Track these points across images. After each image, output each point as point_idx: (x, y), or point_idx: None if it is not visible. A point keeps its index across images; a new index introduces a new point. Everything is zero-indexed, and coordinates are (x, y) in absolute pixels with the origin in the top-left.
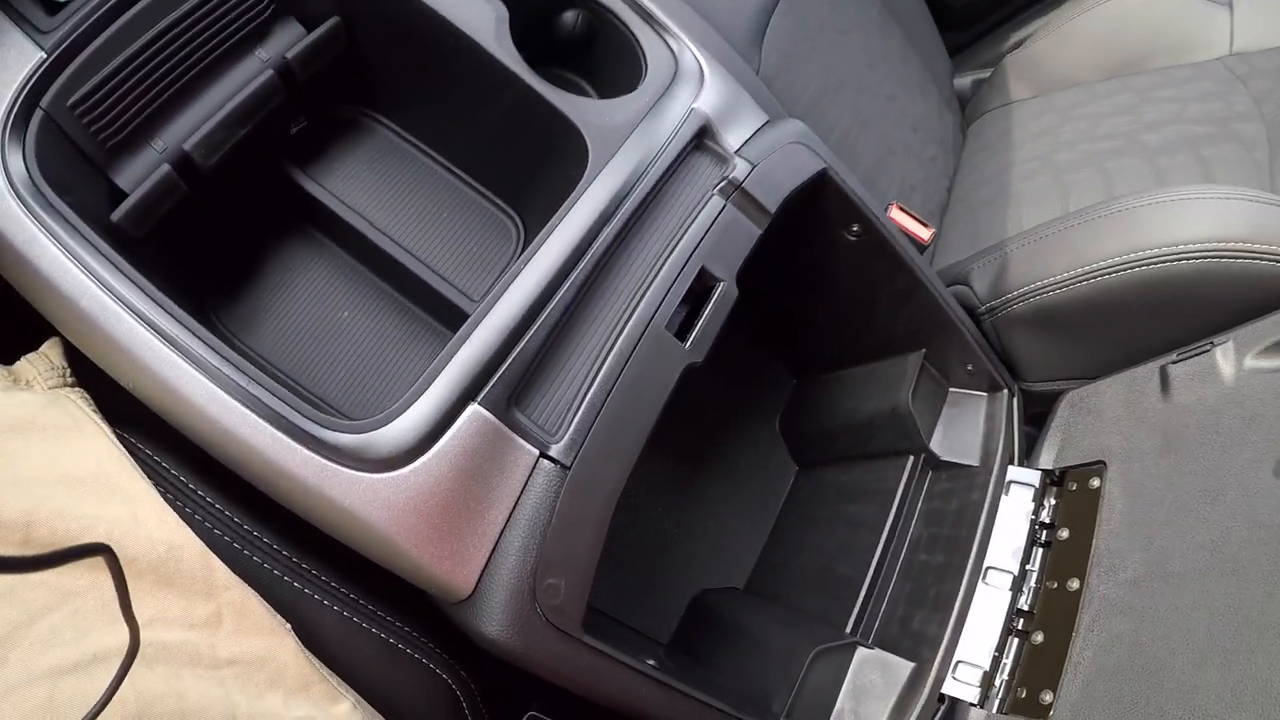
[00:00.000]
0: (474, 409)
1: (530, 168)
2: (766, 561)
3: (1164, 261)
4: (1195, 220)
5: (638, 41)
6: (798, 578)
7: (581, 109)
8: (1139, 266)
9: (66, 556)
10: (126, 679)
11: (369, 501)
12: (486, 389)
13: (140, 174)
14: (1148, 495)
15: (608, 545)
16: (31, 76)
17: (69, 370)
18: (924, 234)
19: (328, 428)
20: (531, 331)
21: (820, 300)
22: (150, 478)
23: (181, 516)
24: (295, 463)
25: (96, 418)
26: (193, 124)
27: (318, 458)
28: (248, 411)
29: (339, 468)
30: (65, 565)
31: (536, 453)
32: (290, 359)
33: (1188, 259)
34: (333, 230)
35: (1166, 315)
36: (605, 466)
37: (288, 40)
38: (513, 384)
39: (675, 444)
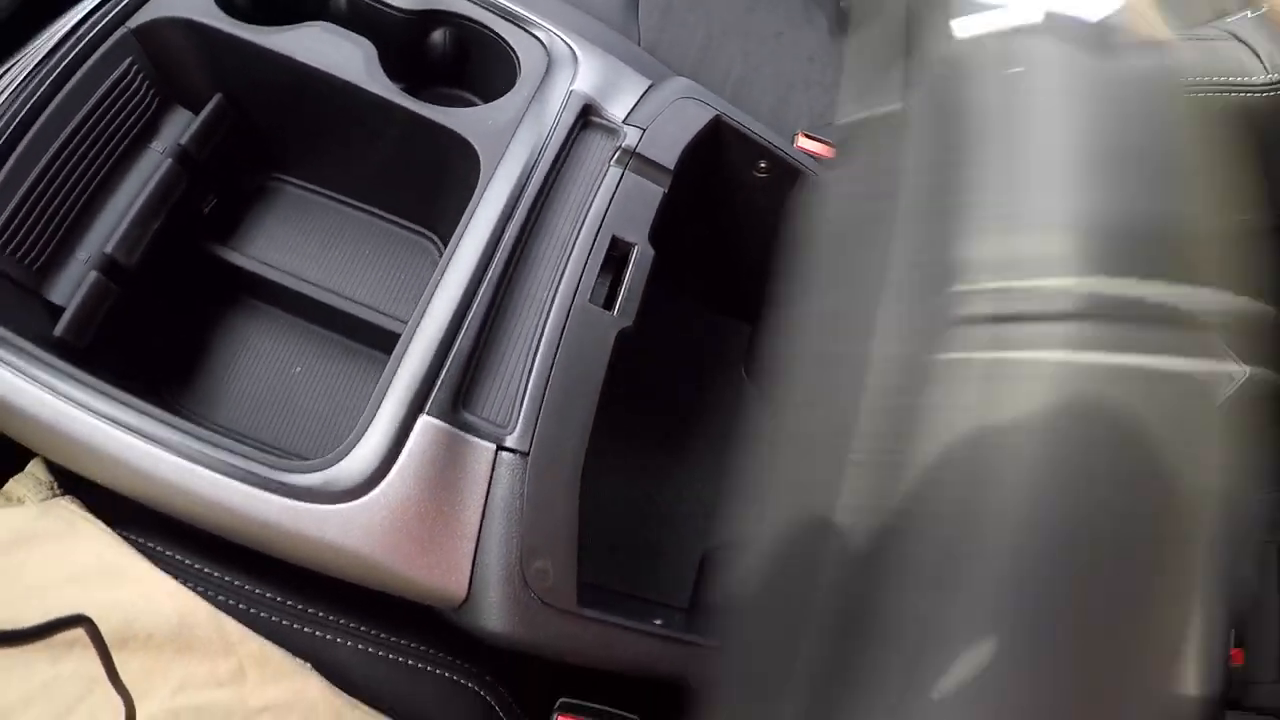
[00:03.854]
0: (424, 420)
1: (433, 187)
2: None
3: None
4: None
5: (505, 42)
6: None
7: (463, 118)
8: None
9: (49, 630)
10: None
11: (347, 531)
12: (431, 398)
13: (71, 286)
14: None
15: (608, 530)
16: None
17: (56, 483)
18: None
19: (293, 471)
20: (461, 334)
21: (750, 243)
22: (150, 561)
23: None
24: (272, 512)
25: (90, 517)
26: (109, 228)
27: (290, 501)
28: (218, 475)
29: (312, 506)
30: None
31: (493, 447)
32: (257, 425)
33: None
34: (266, 294)
35: None
36: (561, 444)
37: (179, 127)
38: (455, 387)
39: (647, 423)
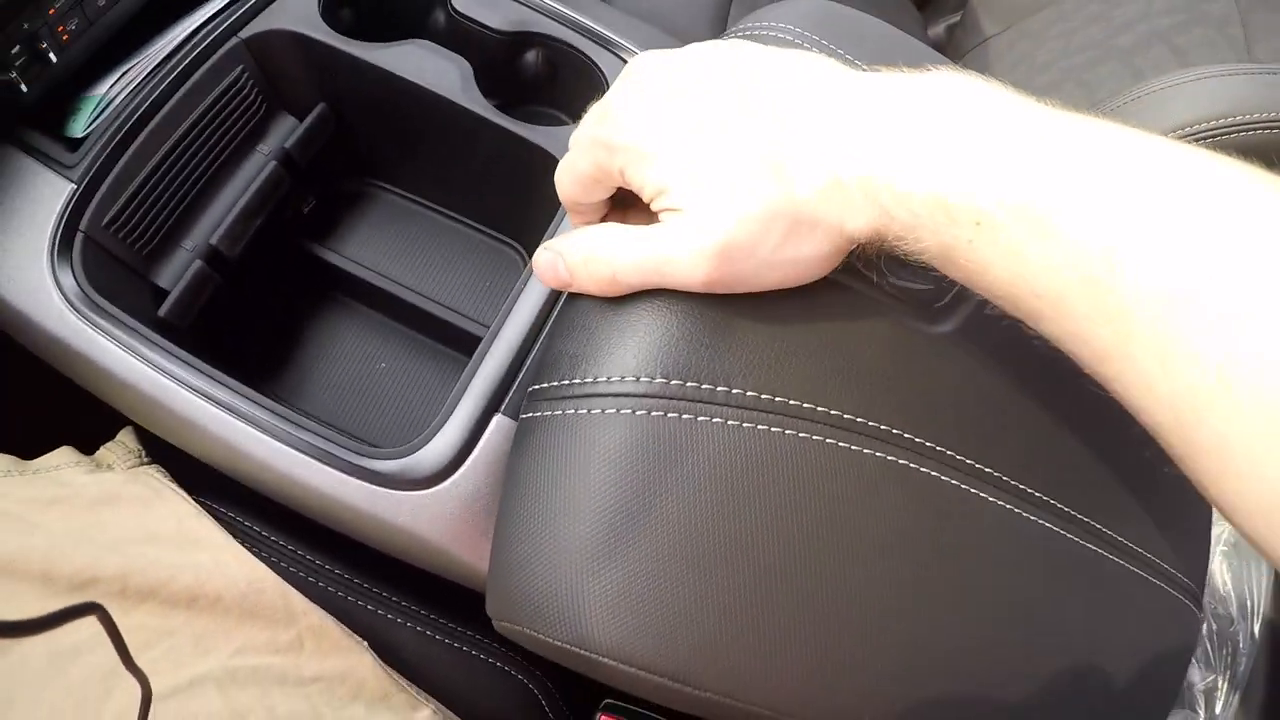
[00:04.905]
0: (499, 419)
1: (521, 199)
2: None
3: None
4: (1174, 109)
5: (595, 64)
6: None
7: (553, 136)
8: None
9: (62, 618)
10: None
11: (419, 517)
12: (508, 399)
13: (176, 272)
14: None
15: None
16: (67, 206)
17: (144, 452)
18: None
19: (373, 457)
20: (540, 341)
21: None
22: (228, 530)
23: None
24: (350, 493)
25: (174, 486)
26: (214, 221)
27: (368, 485)
28: (302, 455)
29: (389, 491)
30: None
31: None
32: (341, 413)
33: None
34: (357, 292)
35: None
36: None
37: (284, 132)
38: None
39: None
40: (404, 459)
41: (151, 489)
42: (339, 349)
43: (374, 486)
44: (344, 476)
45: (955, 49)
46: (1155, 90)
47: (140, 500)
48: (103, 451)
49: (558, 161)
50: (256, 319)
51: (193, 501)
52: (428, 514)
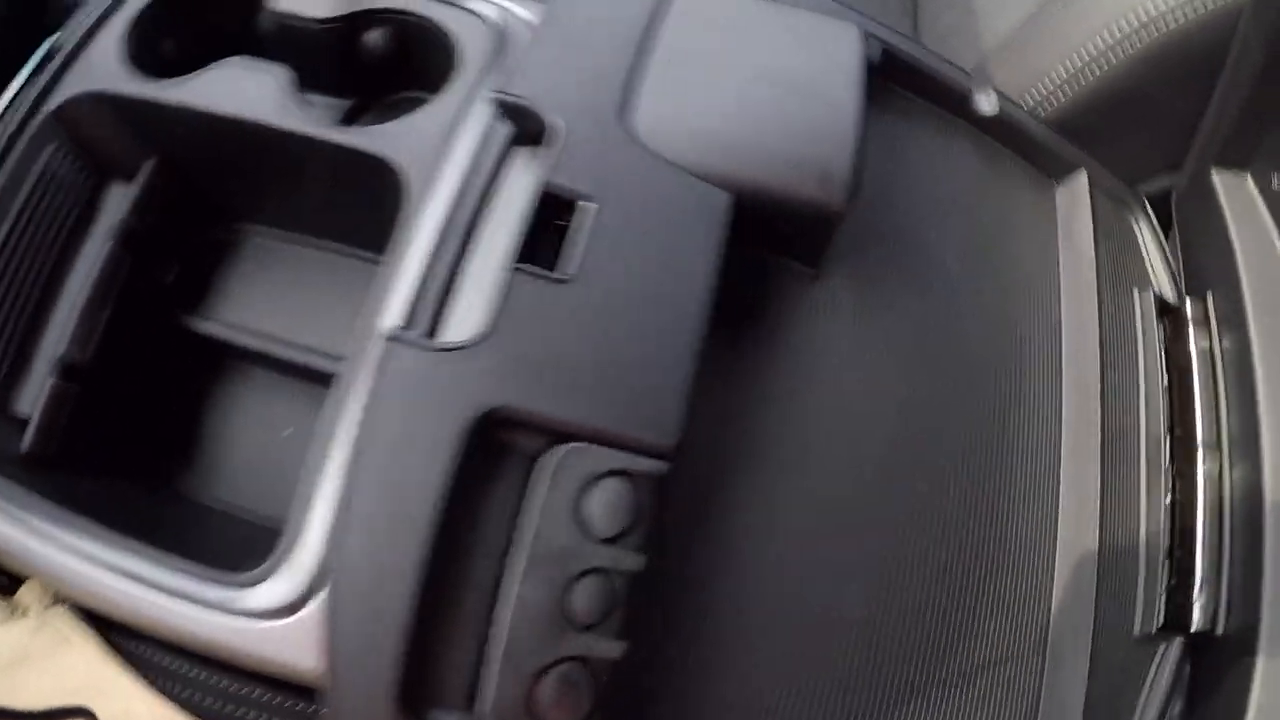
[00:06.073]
0: None
1: (389, 215)
2: None
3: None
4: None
5: (435, 25)
6: None
7: (381, 136)
8: (1147, 33)
9: (51, 717)
10: None
11: (301, 646)
12: None
13: (34, 396)
14: None
15: None
16: None
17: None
18: None
19: (219, 584)
20: None
21: None
22: (138, 668)
23: (172, 698)
24: (217, 632)
25: (84, 627)
26: (62, 328)
27: (232, 619)
28: (164, 597)
29: (257, 623)
30: None
31: None
32: (256, 495)
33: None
34: (246, 356)
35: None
36: None
37: (120, 203)
38: None
39: None
40: (251, 588)
41: (60, 635)
42: (241, 422)
43: (241, 620)
44: (206, 614)
45: None
46: None
47: (49, 651)
48: (22, 591)
49: (387, 165)
50: (144, 412)
51: (101, 642)
52: (309, 641)
